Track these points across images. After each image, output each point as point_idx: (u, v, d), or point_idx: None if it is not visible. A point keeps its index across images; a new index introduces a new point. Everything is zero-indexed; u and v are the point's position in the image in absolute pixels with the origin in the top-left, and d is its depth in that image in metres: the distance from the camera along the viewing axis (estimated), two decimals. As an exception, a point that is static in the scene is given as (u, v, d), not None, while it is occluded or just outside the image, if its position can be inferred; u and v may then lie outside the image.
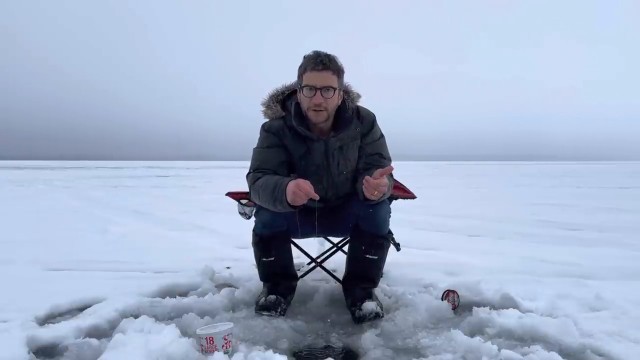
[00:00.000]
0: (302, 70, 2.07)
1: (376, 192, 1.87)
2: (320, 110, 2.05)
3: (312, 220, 2.24)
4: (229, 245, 3.95)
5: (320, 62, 2.02)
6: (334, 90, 2.05)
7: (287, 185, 1.90)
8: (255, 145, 2.23)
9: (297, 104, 2.15)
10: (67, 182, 15.19)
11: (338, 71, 2.07)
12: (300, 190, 1.85)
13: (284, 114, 2.21)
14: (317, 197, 1.87)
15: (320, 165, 2.16)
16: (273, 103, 2.23)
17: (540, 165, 49.93)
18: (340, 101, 2.14)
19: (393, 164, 2.29)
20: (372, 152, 2.20)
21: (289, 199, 1.89)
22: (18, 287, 2.60)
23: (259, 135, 2.24)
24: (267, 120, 2.25)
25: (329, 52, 2.08)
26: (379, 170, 1.89)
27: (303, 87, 2.05)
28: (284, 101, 2.23)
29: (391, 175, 2.23)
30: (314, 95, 2.02)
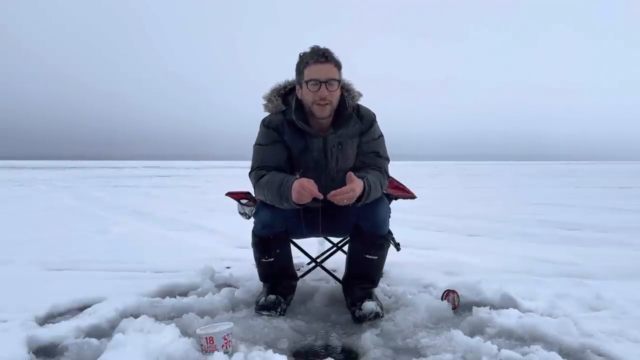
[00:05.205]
0: (303, 65, 2.07)
1: (346, 201, 1.89)
2: (326, 104, 2.06)
3: (311, 220, 2.24)
4: (229, 245, 3.95)
5: (322, 55, 2.04)
6: (337, 83, 2.06)
7: (292, 184, 1.91)
8: (255, 141, 2.23)
9: (298, 98, 2.15)
10: (67, 182, 15.19)
11: (338, 64, 2.09)
12: (304, 189, 1.87)
13: (284, 108, 2.21)
14: (321, 197, 1.88)
15: (319, 162, 2.17)
16: (274, 97, 2.23)
17: (540, 165, 49.93)
18: (339, 97, 2.15)
19: (392, 163, 2.30)
20: (369, 151, 2.20)
21: (293, 198, 1.91)
22: (18, 287, 2.60)
23: (258, 130, 2.23)
24: (267, 114, 2.26)
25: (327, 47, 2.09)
26: (349, 174, 1.92)
27: (307, 81, 2.04)
28: (286, 95, 2.24)
29: (387, 175, 2.23)
30: (319, 88, 2.03)
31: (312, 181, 1.91)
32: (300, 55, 2.10)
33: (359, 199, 1.96)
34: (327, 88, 2.03)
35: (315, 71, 2.03)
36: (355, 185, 1.90)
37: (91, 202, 8.26)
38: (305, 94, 2.08)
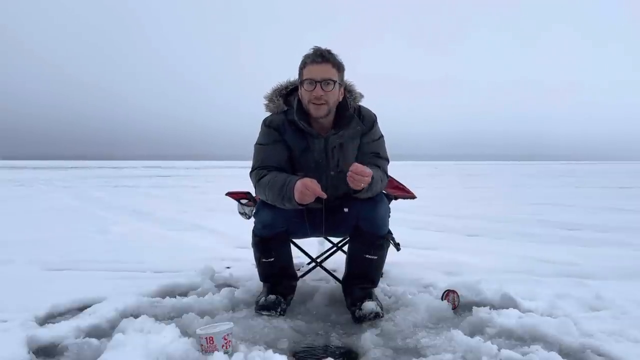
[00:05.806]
0: (302, 65, 2.09)
1: (362, 184, 1.89)
2: (321, 104, 2.06)
3: (313, 220, 2.24)
4: (229, 245, 3.95)
5: (320, 55, 2.05)
6: (334, 84, 2.06)
7: (295, 184, 1.91)
8: (256, 141, 2.23)
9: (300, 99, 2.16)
10: (67, 182, 15.18)
11: (338, 65, 2.09)
12: (307, 189, 1.87)
13: (285, 108, 2.21)
14: (324, 196, 1.89)
15: (320, 163, 2.17)
16: (276, 97, 2.24)
17: (540, 165, 49.92)
18: (341, 97, 2.15)
19: (392, 163, 2.30)
20: (370, 151, 2.21)
21: (296, 198, 1.91)
22: (18, 287, 2.60)
23: (259, 130, 2.24)
24: (268, 114, 2.26)
25: (329, 48, 2.10)
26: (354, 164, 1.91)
27: (303, 80, 2.07)
28: (287, 96, 2.24)
29: (387, 175, 2.23)
30: (314, 88, 2.04)
31: (315, 181, 1.91)
32: (303, 56, 2.12)
33: (359, 190, 1.98)
34: (322, 88, 2.03)
35: (311, 71, 2.05)
36: (370, 173, 1.91)
37: (91, 202, 8.26)
38: (303, 94, 2.10)
